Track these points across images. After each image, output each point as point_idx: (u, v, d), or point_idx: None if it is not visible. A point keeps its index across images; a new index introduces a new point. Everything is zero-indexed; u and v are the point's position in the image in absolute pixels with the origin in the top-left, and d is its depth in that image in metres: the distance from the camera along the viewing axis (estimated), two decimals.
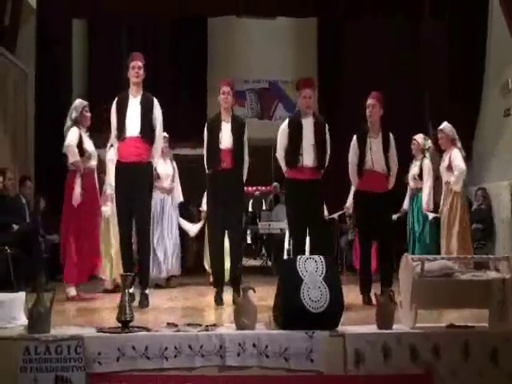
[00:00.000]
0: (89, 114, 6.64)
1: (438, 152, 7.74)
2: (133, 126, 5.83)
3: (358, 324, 4.40)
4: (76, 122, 6.51)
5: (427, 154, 7.89)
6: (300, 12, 10.49)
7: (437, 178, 7.80)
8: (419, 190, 7.87)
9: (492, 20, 9.66)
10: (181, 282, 8.19)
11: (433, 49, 10.52)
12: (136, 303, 5.67)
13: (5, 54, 9.22)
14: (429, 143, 7.95)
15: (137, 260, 6.15)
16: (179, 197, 8.26)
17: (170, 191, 8.00)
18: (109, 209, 7.16)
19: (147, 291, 5.85)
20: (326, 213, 8.25)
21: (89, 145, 6.59)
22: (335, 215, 9.51)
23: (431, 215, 7.75)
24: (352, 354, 3.95)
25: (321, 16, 11.16)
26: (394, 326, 4.14)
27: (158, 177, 7.70)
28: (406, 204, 8.23)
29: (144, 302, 5.71)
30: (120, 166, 5.90)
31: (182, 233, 8.54)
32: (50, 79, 9.77)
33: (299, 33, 12.18)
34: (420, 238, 7.88)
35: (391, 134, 6.22)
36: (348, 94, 10.94)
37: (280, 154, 6.05)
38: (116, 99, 5.96)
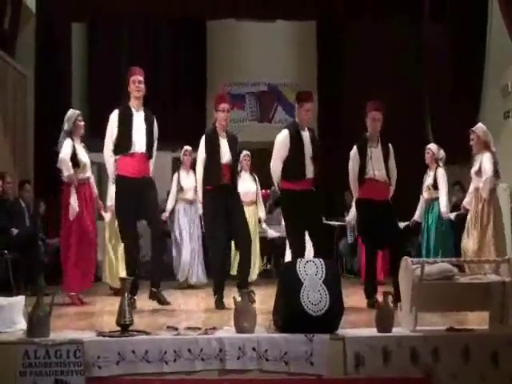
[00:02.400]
0: (82, 123, 6.60)
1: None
2: (140, 142, 5.84)
3: (357, 327, 4.40)
4: (70, 133, 6.48)
5: (441, 164, 7.88)
6: (300, 15, 10.49)
7: None
8: (434, 200, 7.81)
9: (492, 23, 9.65)
10: (180, 285, 8.19)
11: (433, 50, 10.52)
12: (137, 307, 5.69)
13: (4, 57, 9.19)
14: (442, 153, 7.93)
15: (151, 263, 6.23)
16: (200, 208, 8.45)
17: (192, 202, 8.27)
18: (109, 215, 7.23)
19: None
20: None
21: (83, 155, 6.53)
22: (332, 223, 9.47)
23: (453, 215, 7.72)
24: (352, 357, 3.95)
25: (320, 18, 11.15)
26: (394, 329, 4.15)
27: (182, 189, 8.25)
28: (417, 215, 8.08)
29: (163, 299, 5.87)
30: (128, 180, 5.83)
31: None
32: (49, 83, 9.72)
33: (299, 35, 12.14)
34: (436, 246, 7.79)
35: (390, 145, 6.22)
36: (348, 97, 10.93)
37: (277, 165, 5.88)
38: (117, 112, 5.90)
